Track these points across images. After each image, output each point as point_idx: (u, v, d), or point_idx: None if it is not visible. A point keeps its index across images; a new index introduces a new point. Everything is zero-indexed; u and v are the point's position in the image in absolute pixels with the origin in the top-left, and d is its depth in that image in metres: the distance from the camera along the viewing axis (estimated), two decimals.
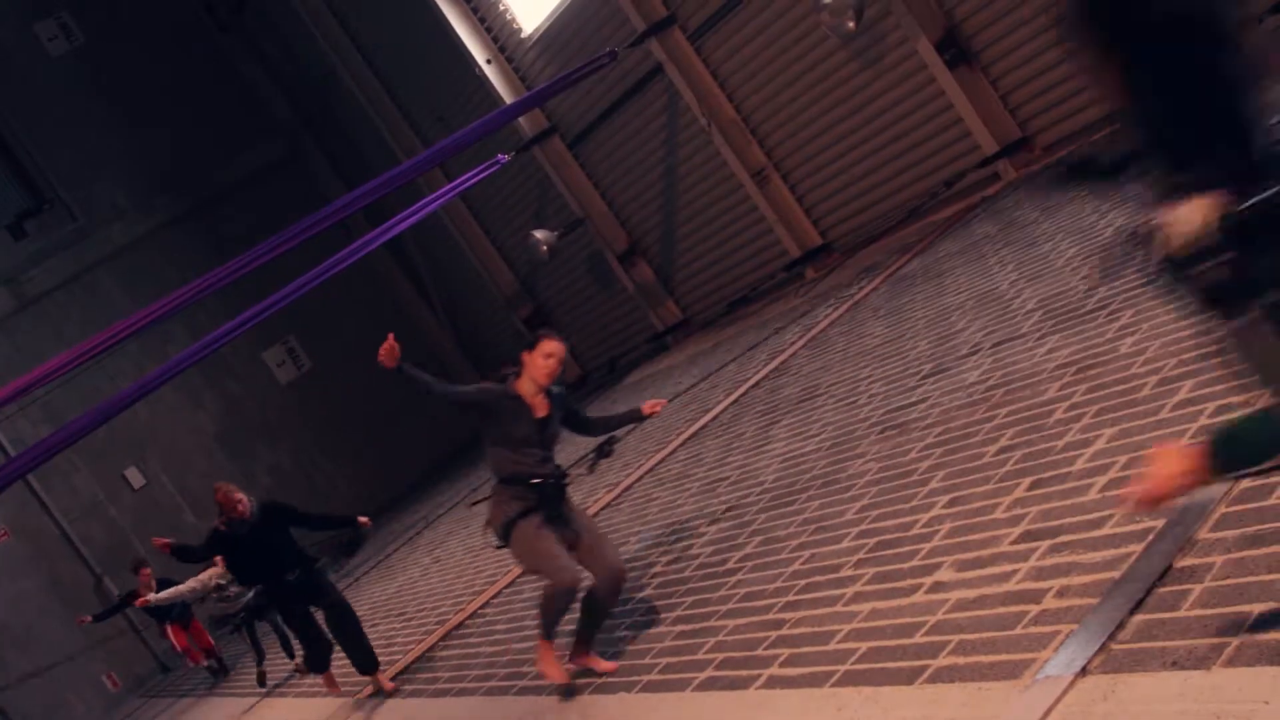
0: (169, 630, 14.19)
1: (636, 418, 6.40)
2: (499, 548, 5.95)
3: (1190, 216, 2.36)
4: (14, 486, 13.34)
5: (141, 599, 12.94)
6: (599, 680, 5.68)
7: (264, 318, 12.07)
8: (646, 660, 5.51)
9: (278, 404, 23.22)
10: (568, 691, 5.84)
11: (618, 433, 6.43)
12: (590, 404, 18.23)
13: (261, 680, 11.76)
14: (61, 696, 19.71)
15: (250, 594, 11.75)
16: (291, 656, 11.38)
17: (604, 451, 6.34)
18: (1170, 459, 2.81)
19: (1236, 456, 2.77)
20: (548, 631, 5.77)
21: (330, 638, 8.83)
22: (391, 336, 5.57)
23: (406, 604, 11.30)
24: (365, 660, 8.49)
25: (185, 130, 22.73)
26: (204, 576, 11.53)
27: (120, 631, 20.08)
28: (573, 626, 5.96)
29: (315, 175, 24.27)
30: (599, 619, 5.94)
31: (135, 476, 21.44)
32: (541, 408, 5.79)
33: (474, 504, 5.51)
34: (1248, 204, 2.33)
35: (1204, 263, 2.41)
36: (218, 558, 11.39)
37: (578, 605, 5.85)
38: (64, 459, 18.27)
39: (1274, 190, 2.32)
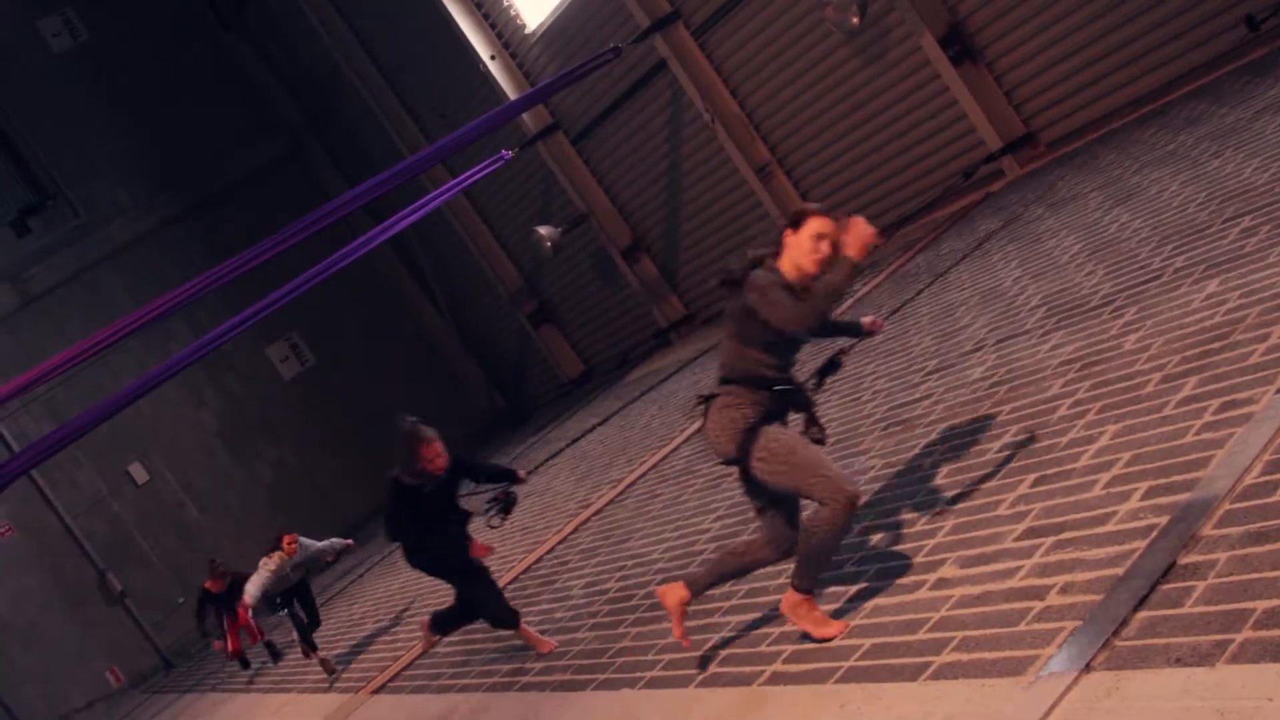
0: (227, 625, 13.62)
1: (856, 331, 5.35)
2: (727, 463, 4.78)
3: None
4: (18, 483, 13.34)
5: (242, 609, 12.38)
6: (602, 677, 5.67)
7: (267, 314, 12.08)
8: (649, 656, 5.50)
9: (281, 400, 23.23)
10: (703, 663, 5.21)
11: (843, 343, 5.33)
12: (595, 404, 18.26)
13: (328, 669, 11.09)
14: (65, 692, 19.74)
15: (300, 574, 11.71)
16: (311, 646, 11.12)
17: (834, 364, 5.34)
18: None
19: None
20: (811, 579, 4.61)
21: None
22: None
23: (410, 600, 11.30)
24: (503, 615, 7.32)
25: (188, 127, 22.75)
26: (273, 565, 11.34)
27: (122, 625, 20.16)
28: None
29: (318, 172, 24.27)
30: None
31: (139, 472, 21.47)
32: None
33: (695, 404, 4.46)
34: None
35: None
36: (287, 541, 11.21)
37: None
38: (67, 455, 18.31)
39: None
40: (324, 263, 12.59)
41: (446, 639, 8.30)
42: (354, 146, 23.45)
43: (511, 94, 17.75)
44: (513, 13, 18.07)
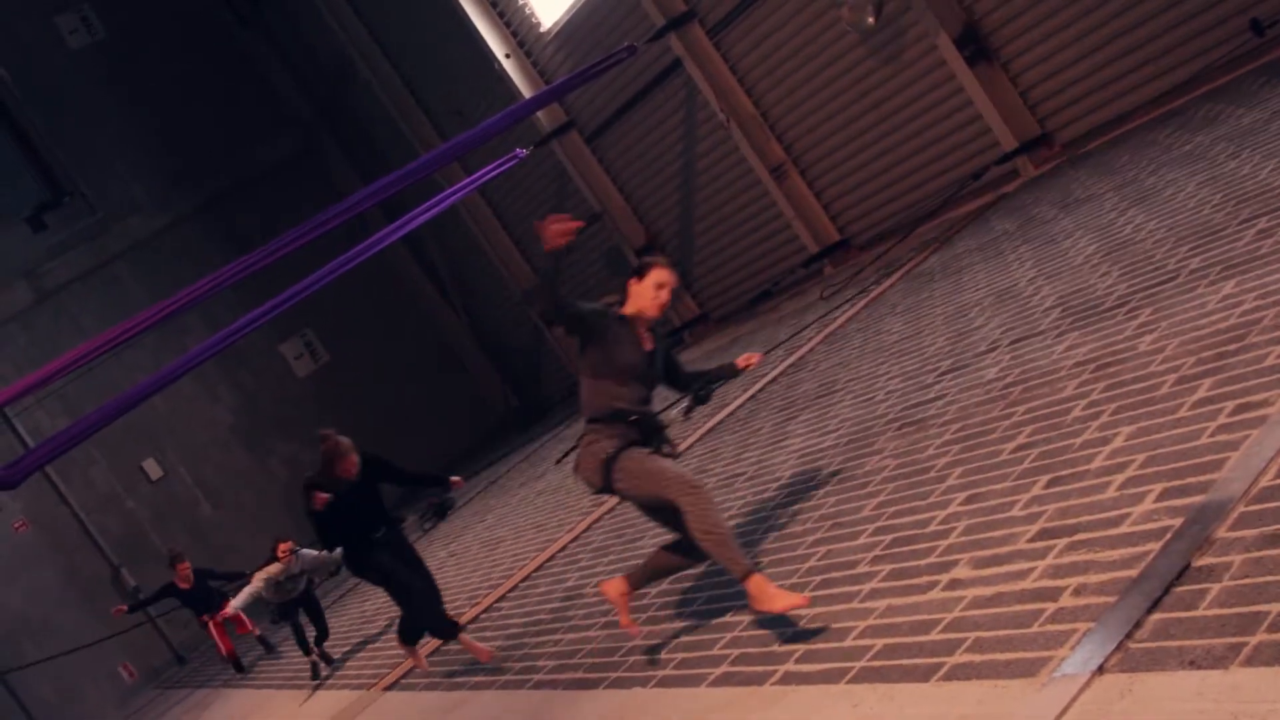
0: (210, 625, 14.01)
1: (731, 372, 5.83)
2: (597, 492, 5.36)
3: None
4: (32, 478, 13.40)
5: (223, 613, 12.90)
6: (614, 675, 5.68)
7: (281, 311, 12.09)
8: (662, 655, 5.51)
9: (295, 396, 23.29)
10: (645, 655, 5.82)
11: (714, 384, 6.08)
12: None
13: (315, 672, 11.29)
14: (78, 687, 19.82)
15: (303, 585, 11.57)
16: (307, 653, 11.31)
17: (700, 398, 5.83)
18: None
19: None
20: (741, 567, 4.84)
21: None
22: (569, 218, 5.10)
23: None
24: (441, 627, 7.96)
25: (203, 124, 22.84)
26: (267, 573, 11.29)
27: (137, 622, 20.21)
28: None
29: (332, 170, 24.34)
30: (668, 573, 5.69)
31: (153, 468, 21.55)
32: (648, 341, 5.35)
33: (559, 460, 5.18)
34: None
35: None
36: (281, 550, 11.17)
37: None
38: (82, 451, 18.37)
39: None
40: (338, 260, 12.59)
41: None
42: (369, 144, 23.50)
43: (526, 92, 17.77)
44: (528, 11, 18.09)
